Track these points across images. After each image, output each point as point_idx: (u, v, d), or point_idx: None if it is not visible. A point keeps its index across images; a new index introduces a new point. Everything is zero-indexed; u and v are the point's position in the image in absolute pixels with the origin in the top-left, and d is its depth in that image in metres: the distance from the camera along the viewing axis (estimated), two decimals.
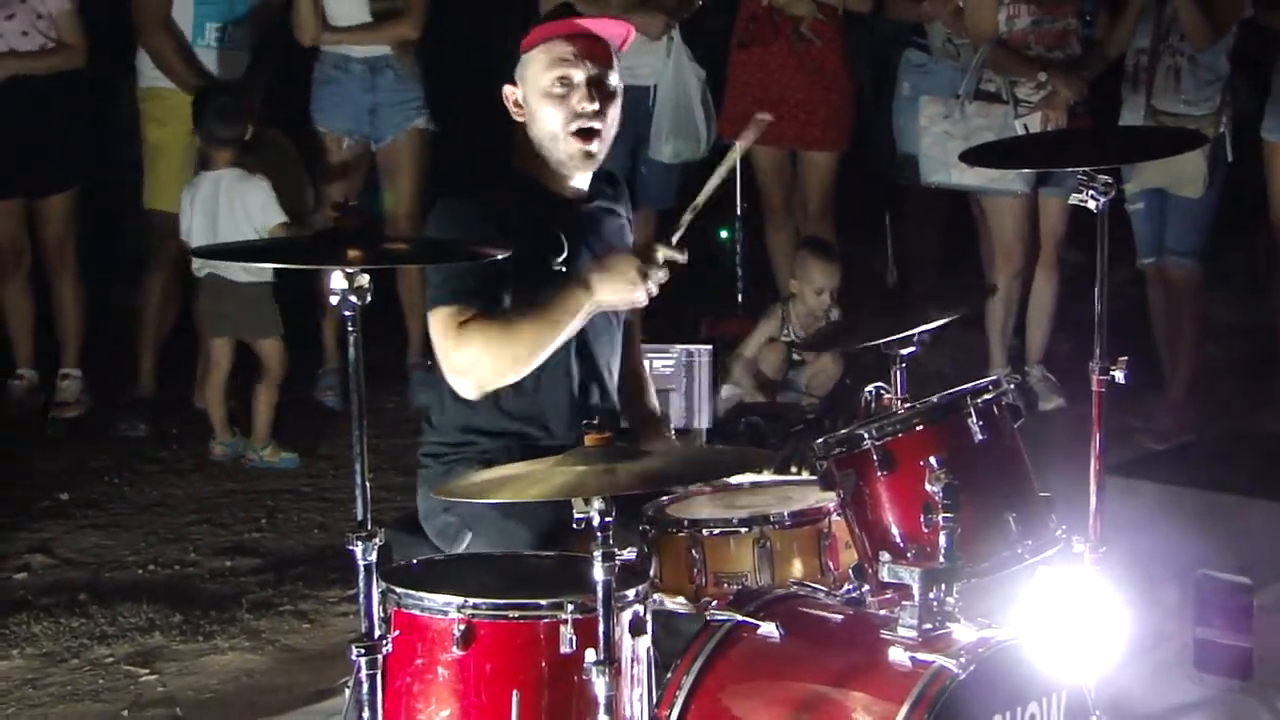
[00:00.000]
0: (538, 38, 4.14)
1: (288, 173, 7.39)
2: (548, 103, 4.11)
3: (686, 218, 3.97)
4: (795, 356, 7.40)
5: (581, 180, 4.25)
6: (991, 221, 7.69)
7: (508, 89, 4.18)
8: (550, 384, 4.15)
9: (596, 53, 4.13)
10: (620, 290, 3.93)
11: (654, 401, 4.59)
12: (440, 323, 3.99)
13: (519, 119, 4.19)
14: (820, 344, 6.84)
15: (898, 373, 4.12)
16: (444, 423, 4.25)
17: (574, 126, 4.10)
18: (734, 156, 4.09)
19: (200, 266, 7.16)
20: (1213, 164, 7.12)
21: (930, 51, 7.84)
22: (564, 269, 4.10)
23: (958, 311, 4.35)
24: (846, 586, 3.71)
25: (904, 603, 3.46)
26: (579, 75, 4.10)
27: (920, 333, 4.12)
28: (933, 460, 3.51)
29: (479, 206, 4.10)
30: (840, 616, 3.62)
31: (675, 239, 3.93)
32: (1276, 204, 7.26)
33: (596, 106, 4.10)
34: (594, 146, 4.14)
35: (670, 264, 3.94)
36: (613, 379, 4.32)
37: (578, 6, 6.09)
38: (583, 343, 4.19)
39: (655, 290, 3.96)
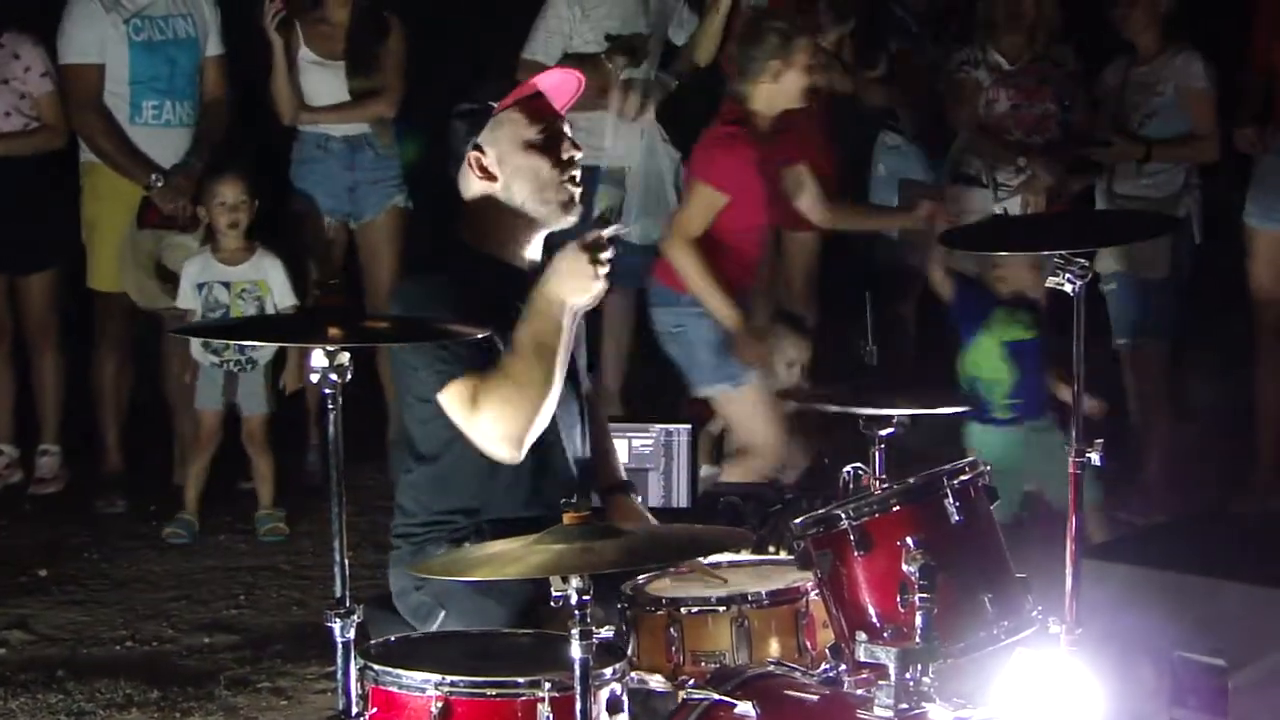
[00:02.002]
0: (508, 101, 4.21)
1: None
2: (534, 153, 4.19)
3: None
4: None
5: (535, 249, 4.30)
6: None
7: (473, 155, 4.21)
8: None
9: (559, 111, 4.27)
10: (580, 284, 3.96)
11: (620, 470, 4.64)
12: (456, 401, 4.01)
13: (481, 185, 4.22)
14: (798, 398, 6.84)
15: (876, 453, 4.15)
16: (414, 506, 4.27)
17: (567, 174, 4.20)
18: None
19: None
20: (1176, 245, 7.16)
21: (904, 134, 7.90)
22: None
23: (941, 404, 4.40)
24: (823, 666, 3.71)
25: (880, 682, 3.46)
26: (560, 125, 4.23)
27: (900, 415, 4.17)
28: (909, 541, 3.52)
29: (448, 284, 4.13)
30: (817, 696, 3.62)
31: (612, 218, 4.04)
32: (1256, 287, 7.31)
33: (580, 154, 4.24)
34: (580, 190, 4.24)
35: (615, 241, 4.00)
36: (574, 451, 4.35)
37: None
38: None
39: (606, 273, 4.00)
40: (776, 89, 6.21)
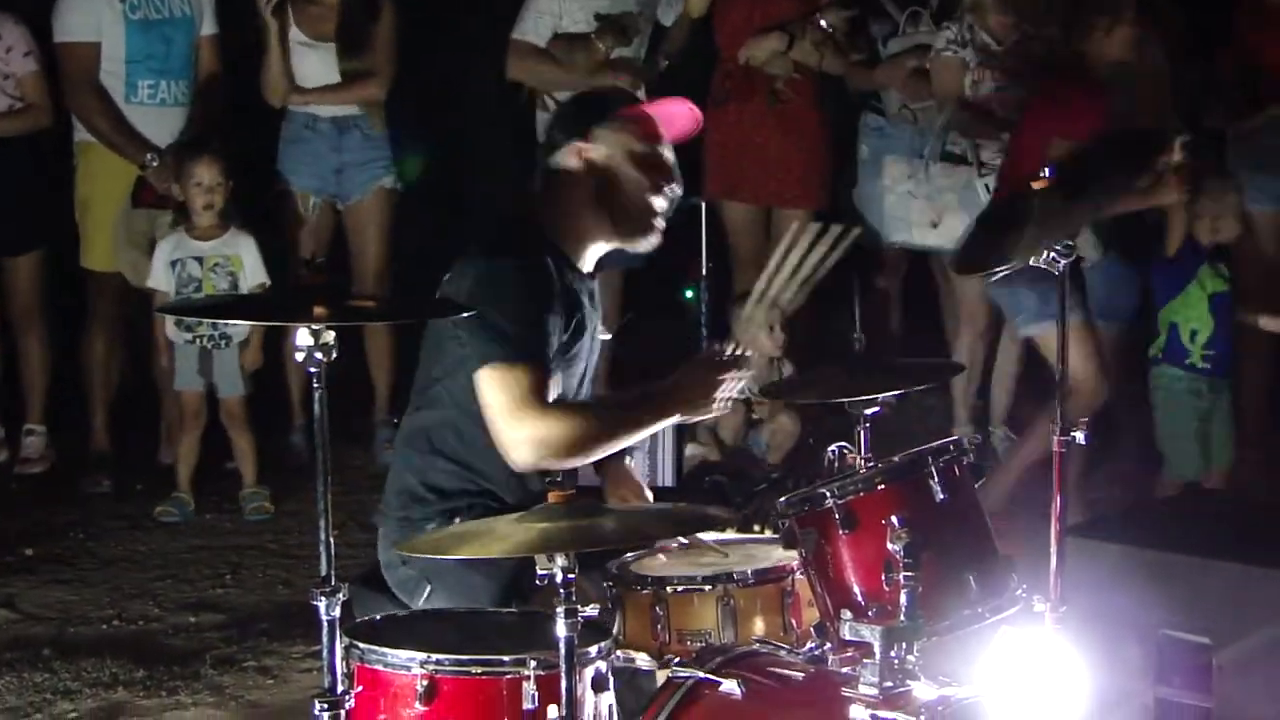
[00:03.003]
0: (630, 110, 4.27)
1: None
2: (642, 169, 4.22)
3: (749, 309, 4.23)
4: (754, 416, 7.42)
5: (593, 259, 4.33)
6: (956, 282, 7.72)
7: (580, 144, 4.21)
8: None
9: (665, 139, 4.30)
10: (699, 404, 4.14)
11: None
12: (508, 383, 4.00)
13: (577, 173, 4.23)
14: (781, 393, 6.84)
15: (861, 432, 4.16)
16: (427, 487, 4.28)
17: (660, 202, 4.24)
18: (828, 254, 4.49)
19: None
20: (1101, 229, 7.10)
21: (887, 115, 7.90)
22: (568, 338, 4.18)
23: (924, 382, 4.40)
24: (808, 644, 3.73)
25: (865, 661, 3.47)
26: (669, 155, 4.25)
27: (885, 398, 4.17)
28: (894, 519, 3.53)
29: (525, 266, 4.11)
30: (802, 674, 3.62)
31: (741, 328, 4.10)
32: (1236, 269, 7.31)
33: (679, 192, 4.28)
34: (663, 228, 4.29)
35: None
36: None
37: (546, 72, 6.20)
38: None
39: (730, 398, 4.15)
40: (1109, 42, 6.50)
